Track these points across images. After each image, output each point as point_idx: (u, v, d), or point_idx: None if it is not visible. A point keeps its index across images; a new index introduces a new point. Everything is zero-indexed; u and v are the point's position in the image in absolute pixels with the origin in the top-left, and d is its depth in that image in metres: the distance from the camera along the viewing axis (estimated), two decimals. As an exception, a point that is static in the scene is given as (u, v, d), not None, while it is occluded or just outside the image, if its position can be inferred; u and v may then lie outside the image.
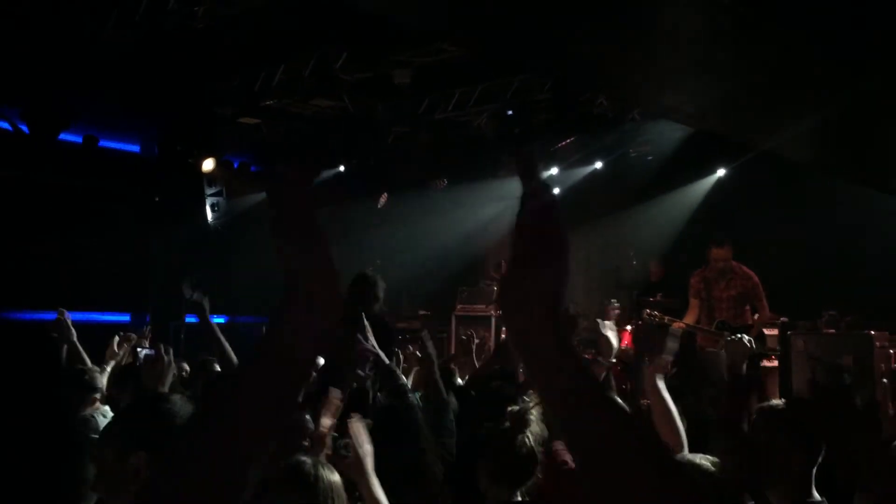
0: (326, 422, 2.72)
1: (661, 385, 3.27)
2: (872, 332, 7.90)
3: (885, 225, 8.59)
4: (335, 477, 2.35)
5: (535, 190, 0.97)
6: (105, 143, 10.78)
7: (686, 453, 3.07)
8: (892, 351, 8.01)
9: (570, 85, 9.41)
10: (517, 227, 0.98)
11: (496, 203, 12.52)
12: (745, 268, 8.16)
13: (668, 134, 10.38)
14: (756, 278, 8.11)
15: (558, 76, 8.38)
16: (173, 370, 3.19)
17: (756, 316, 8.14)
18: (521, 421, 2.62)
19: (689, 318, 8.18)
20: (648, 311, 8.68)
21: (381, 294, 5.78)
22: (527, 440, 2.60)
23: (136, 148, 11.84)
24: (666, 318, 8.33)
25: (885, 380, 7.26)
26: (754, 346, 7.95)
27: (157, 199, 11.76)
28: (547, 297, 0.95)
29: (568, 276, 0.95)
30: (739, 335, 7.82)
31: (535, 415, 2.67)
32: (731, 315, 8.03)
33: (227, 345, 4.00)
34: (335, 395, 2.90)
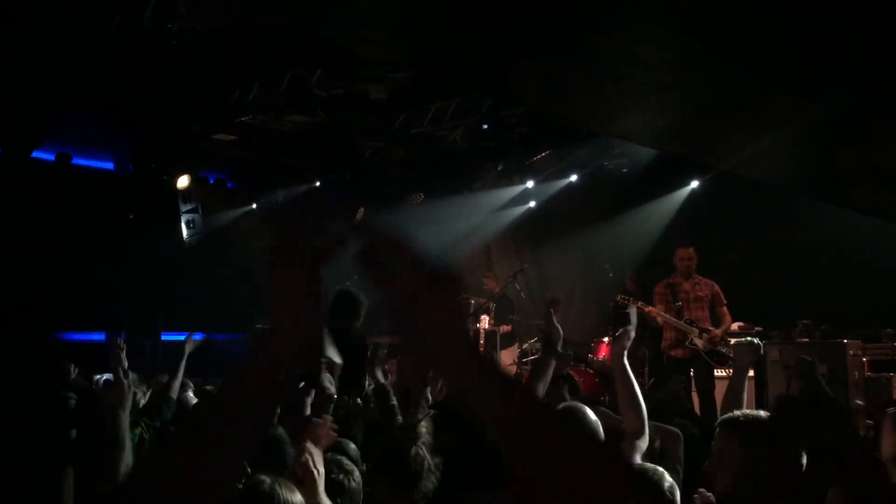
0: (314, 453, 2.62)
1: (626, 364, 3.29)
2: (846, 341, 7.99)
3: (858, 235, 8.70)
4: (297, 497, 2.30)
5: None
6: (78, 161, 10.69)
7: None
8: (865, 359, 8.11)
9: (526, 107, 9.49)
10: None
11: (472, 216, 12.55)
12: (704, 277, 8.30)
13: (643, 147, 10.46)
14: (717, 286, 8.24)
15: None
16: (132, 393, 3.14)
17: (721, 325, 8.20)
18: (412, 433, 2.62)
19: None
20: (622, 296, 8.68)
21: (362, 312, 5.72)
22: (420, 451, 2.61)
23: (109, 165, 11.75)
24: (639, 302, 8.35)
25: (858, 401, 7.35)
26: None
27: (131, 216, 11.66)
28: (449, 325, 0.96)
29: (460, 301, 0.98)
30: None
31: (425, 426, 2.67)
32: (700, 315, 8.12)
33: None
34: (326, 422, 2.81)
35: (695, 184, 11.19)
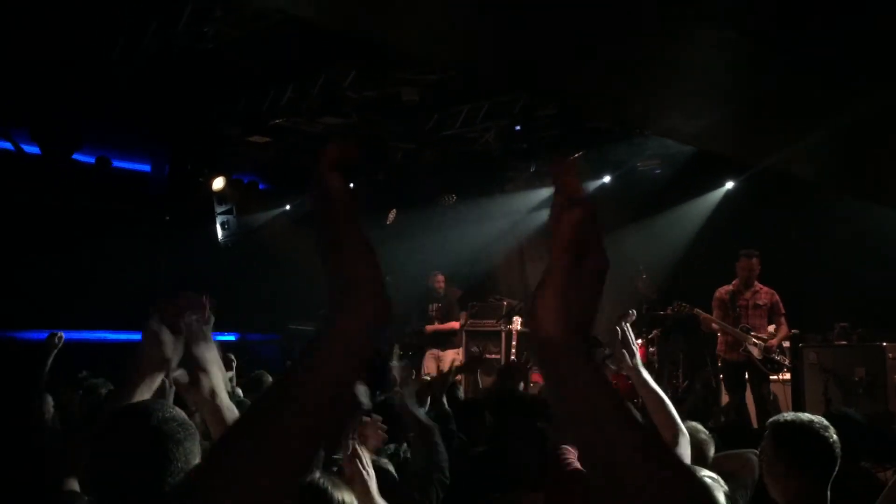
0: (363, 453, 2.55)
1: (646, 374, 3.23)
2: (885, 344, 7.87)
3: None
4: (349, 497, 2.32)
5: (576, 198, 0.98)
6: (117, 164, 10.86)
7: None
8: (904, 362, 7.97)
9: (571, 107, 9.47)
10: (557, 235, 0.98)
11: (504, 218, 12.54)
12: (765, 286, 8.27)
13: (677, 148, 10.37)
14: (777, 295, 8.21)
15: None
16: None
17: (772, 328, 8.13)
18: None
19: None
20: (679, 302, 8.66)
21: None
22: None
23: (146, 167, 11.91)
24: (695, 309, 8.36)
25: None
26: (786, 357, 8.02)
27: (167, 217, 11.82)
28: (582, 315, 0.97)
29: (601, 296, 0.98)
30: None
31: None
32: (757, 324, 8.10)
33: None
34: (374, 421, 2.75)
35: (730, 184, 11.08)
